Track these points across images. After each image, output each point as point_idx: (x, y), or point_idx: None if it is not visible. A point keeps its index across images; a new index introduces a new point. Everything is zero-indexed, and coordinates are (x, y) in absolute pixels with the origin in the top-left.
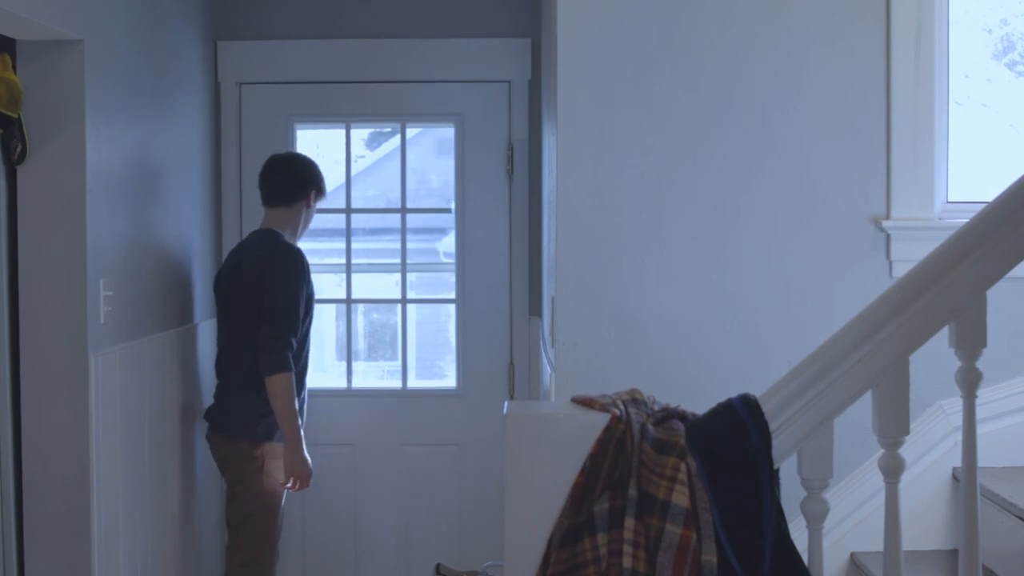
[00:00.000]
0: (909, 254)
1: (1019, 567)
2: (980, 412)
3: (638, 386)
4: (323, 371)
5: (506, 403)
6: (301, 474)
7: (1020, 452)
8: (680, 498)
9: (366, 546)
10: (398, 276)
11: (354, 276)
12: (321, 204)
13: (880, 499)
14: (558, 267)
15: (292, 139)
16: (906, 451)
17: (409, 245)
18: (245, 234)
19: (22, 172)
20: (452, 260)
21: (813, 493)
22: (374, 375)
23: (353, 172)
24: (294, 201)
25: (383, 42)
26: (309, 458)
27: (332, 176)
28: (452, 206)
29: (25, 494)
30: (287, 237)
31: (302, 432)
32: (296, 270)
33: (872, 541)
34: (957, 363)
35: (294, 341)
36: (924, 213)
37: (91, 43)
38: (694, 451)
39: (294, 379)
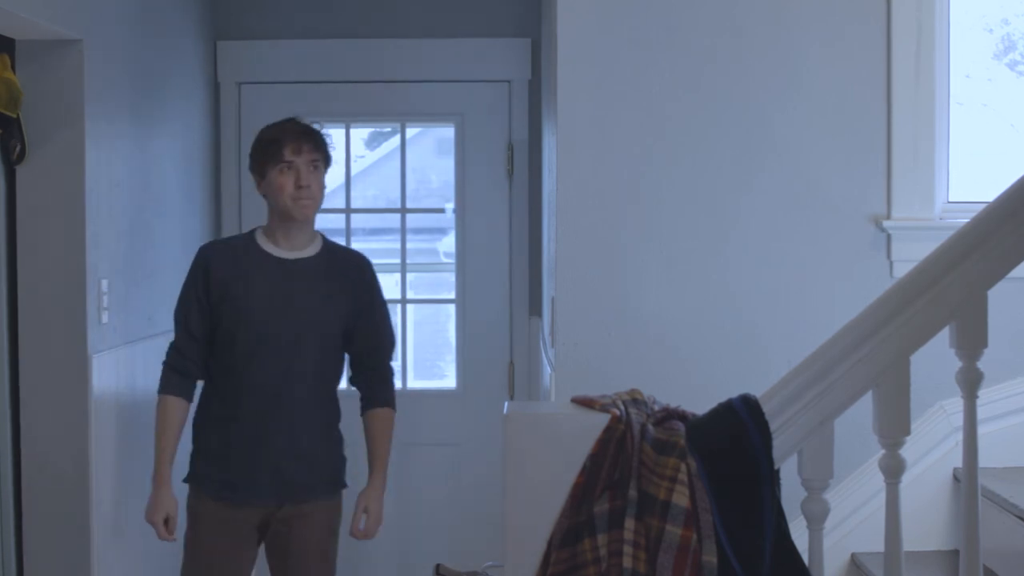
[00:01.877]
0: (910, 254)
1: (1020, 568)
2: (981, 412)
3: (638, 386)
4: None
5: (506, 403)
6: (148, 519)
7: (1021, 452)
8: (680, 498)
9: (365, 546)
10: (398, 276)
11: None
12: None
13: (881, 499)
14: (558, 267)
15: None
16: (907, 451)
17: (409, 245)
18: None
19: (21, 172)
20: (452, 260)
21: (814, 493)
22: None
23: (353, 172)
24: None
25: (383, 42)
26: (167, 504)
27: (332, 176)
28: (452, 206)
29: (24, 494)
30: (264, 233)
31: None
32: (189, 272)
33: (873, 541)
34: (958, 363)
35: (176, 355)
36: (925, 213)
37: (90, 43)
38: (694, 451)
39: (172, 401)
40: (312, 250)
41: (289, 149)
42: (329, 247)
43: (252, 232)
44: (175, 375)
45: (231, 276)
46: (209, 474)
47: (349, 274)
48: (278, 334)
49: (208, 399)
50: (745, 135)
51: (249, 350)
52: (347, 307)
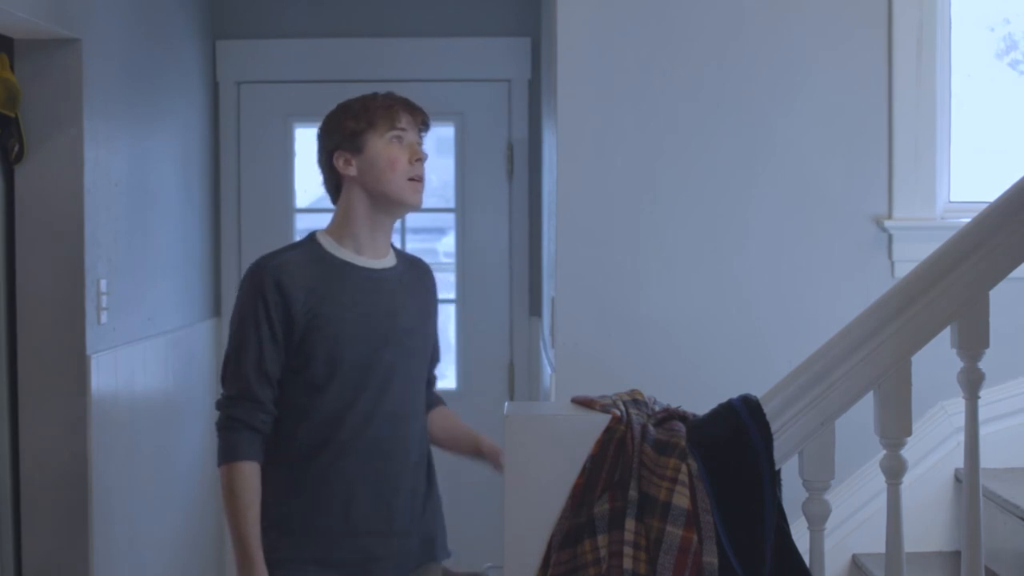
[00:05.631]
0: (911, 254)
1: (1022, 569)
2: (982, 413)
3: (639, 386)
4: None
5: (506, 404)
6: None
7: (1022, 453)
8: (681, 499)
9: None
10: None
11: None
12: (319, 203)
13: (882, 500)
14: (558, 267)
15: (291, 138)
16: (908, 452)
17: (408, 245)
18: (243, 233)
19: (20, 172)
20: (452, 260)
21: (814, 494)
22: None
23: None
24: (328, 181)
25: (383, 41)
26: None
27: None
28: (452, 206)
29: (23, 495)
30: (334, 238)
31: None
32: (243, 296)
33: (874, 543)
34: (959, 363)
35: (249, 407)
36: (926, 213)
37: (89, 42)
38: (695, 452)
39: (249, 469)
40: (392, 258)
41: (406, 116)
42: (398, 253)
43: (312, 238)
44: (249, 434)
45: (318, 298)
46: (299, 556)
47: (427, 285)
48: (389, 366)
49: (286, 455)
50: (746, 135)
51: (352, 389)
52: (433, 326)
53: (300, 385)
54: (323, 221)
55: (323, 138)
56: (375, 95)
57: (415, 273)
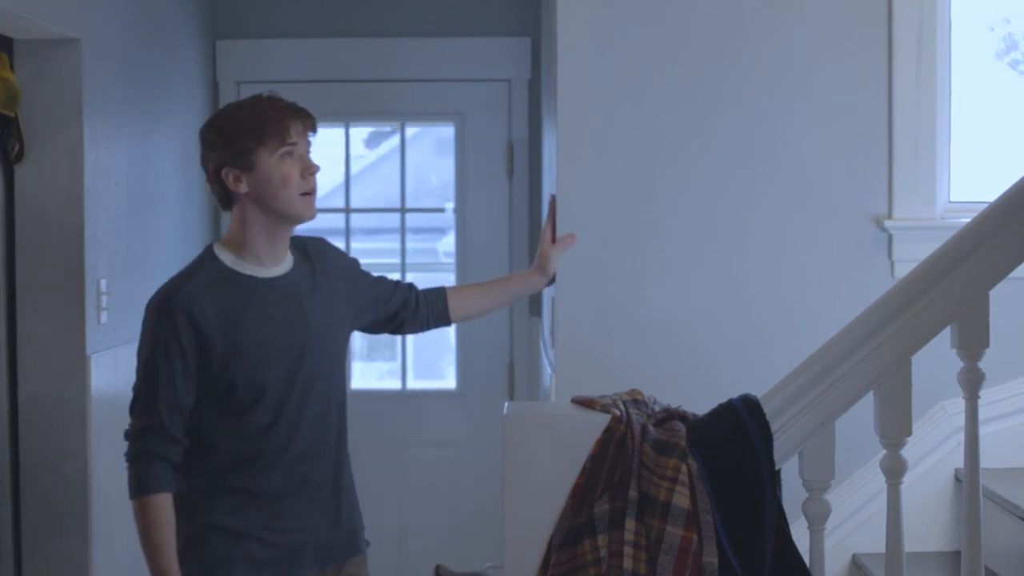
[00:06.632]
0: (911, 254)
1: (1022, 569)
2: (982, 413)
3: (639, 386)
4: None
5: (506, 404)
6: None
7: (1022, 453)
8: (681, 499)
9: None
10: (398, 276)
11: None
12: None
13: (882, 500)
14: (558, 267)
15: None
16: (908, 452)
17: (408, 245)
18: None
19: (20, 171)
20: (452, 260)
21: (814, 494)
22: (373, 376)
23: (352, 172)
24: (216, 191)
25: (383, 41)
26: None
27: (331, 176)
28: (451, 206)
29: (23, 495)
30: (232, 252)
31: None
32: (152, 329)
33: (874, 542)
34: (959, 363)
35: (161, 440)
36: (926, 213)
37: (89, 42)
38: (695, 452)
39: (166, 500)
40: (290, 259)
41: (295, 127)
42: (292, 246)
43: (211, 254)
44: (162, 464)
45: (232, 323)
46: (228, 556)
47: (328, 265)
48: (310, 373)
49: (209, 469)
50: (746, 135)
51: (276, 404)
52: (345, 310)
53: (225, 410)
54: (322, 221)
55: (209, 151)
56: (260, 100)
57: (311, 264)
